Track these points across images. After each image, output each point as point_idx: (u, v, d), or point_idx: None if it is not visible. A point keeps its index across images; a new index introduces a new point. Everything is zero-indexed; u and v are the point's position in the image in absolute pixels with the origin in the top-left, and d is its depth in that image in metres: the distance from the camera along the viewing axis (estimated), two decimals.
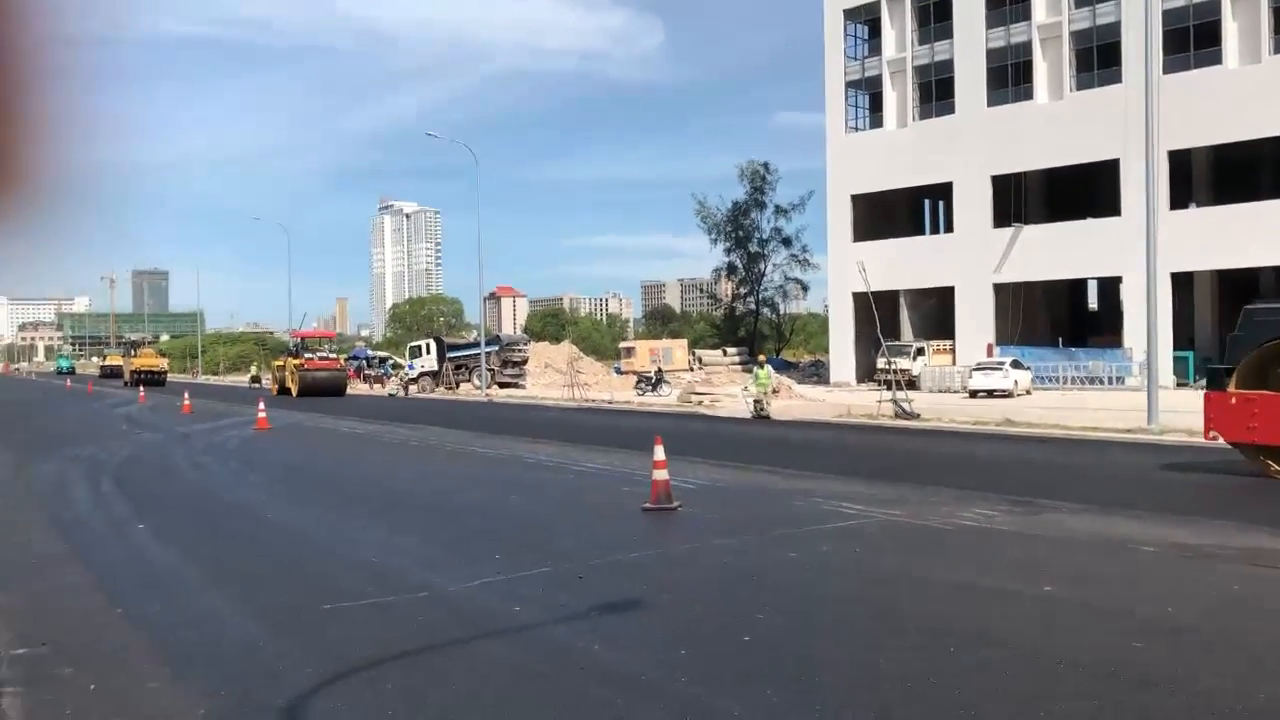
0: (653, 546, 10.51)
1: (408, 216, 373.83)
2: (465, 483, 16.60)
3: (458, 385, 54.17)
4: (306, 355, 52.24)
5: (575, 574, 8.94)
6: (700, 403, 37.18)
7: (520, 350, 58.57)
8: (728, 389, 46.19)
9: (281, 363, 53.84)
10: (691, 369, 62.83)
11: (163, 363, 75.62)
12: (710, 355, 67.17)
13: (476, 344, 56.55)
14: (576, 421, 30.54)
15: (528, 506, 13.54)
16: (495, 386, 52.46)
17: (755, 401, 29.28)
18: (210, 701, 5.72)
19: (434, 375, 54.88)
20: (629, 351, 72.36)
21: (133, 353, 76.03)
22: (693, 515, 12.05)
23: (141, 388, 56.88)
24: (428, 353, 56.25)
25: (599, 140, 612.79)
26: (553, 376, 55.34)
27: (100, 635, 7.27)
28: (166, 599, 8.41)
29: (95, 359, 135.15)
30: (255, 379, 72.43)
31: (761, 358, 32.52)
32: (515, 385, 54.64)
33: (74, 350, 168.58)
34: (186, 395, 41.48)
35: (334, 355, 58.71)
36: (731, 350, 68.65)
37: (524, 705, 5.58)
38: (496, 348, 56.57)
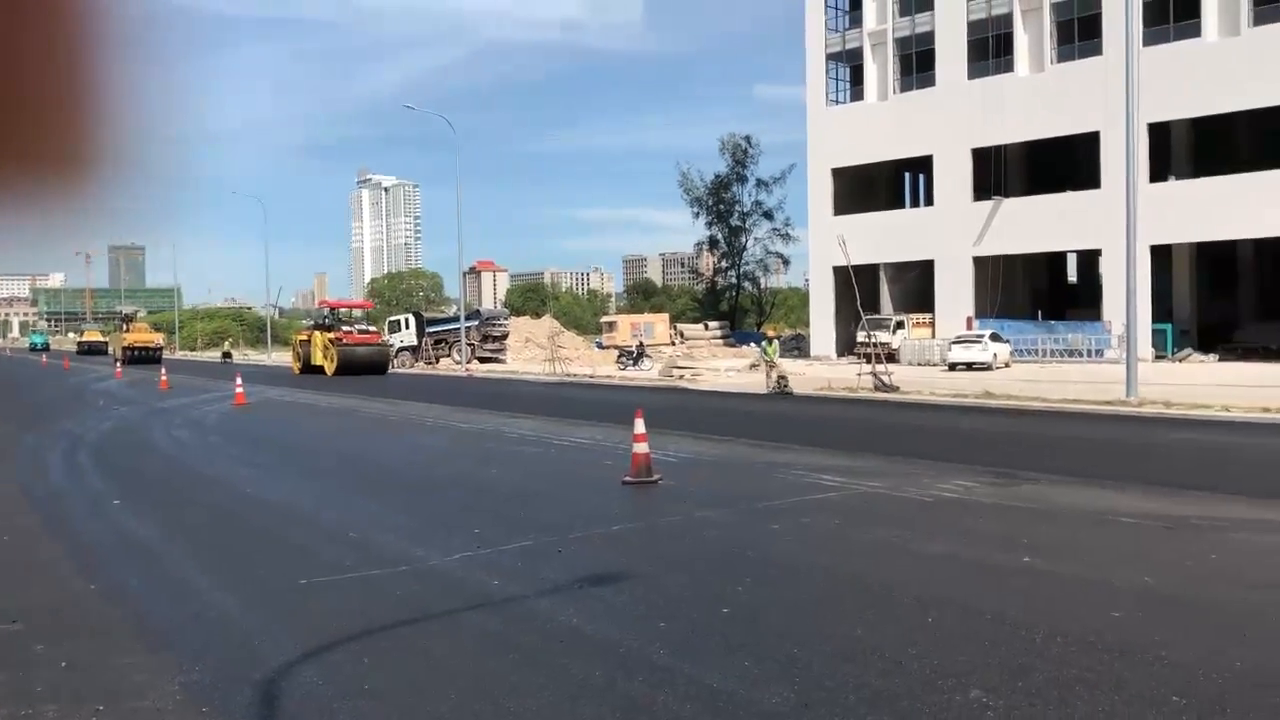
0: (632, 519, 10.48)
1: (386, 190, 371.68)
2: (446, 457, 16.53)
3: (437, 360, 53.96)
4: (344, 328, 45.33)
5: (555, 547, 8.90)
6: (682, 377, 37.17)
7: (500, 325, 58.33)
8: (709, 363, 46.16)
9: (305, 336, 47.64)
10: (673, 343, 62.75)
11: (158, 338, 68.88)
12: (692, 329, 67.09)
13: (456, 319, 56.18)
14: (557, 396, 30.47)
15: (508, 480, 13.49)
16: (475, 361, 52.28)
17: (780, 378, 28.31)
18: (185, 675, 5.66)
19: (413, 350, 54.65)
20: (610, 326, 72.25)
21: (125, 327, 68.83)
22: (673, 488, 12.04)
23: (118, 364, 54.38)
24: (407, 328, 56.03)
25: (582, 113, 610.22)
26: (534, 351, 55.21)
27: (74, 611, 7.19)
28: (142, 573, 8.33)
29: (72, 335, 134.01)
30: (227, 354, 71.61)
31: (772, 333, 31.82)
32: (496, 360, 54.49)
33: (50, 326, 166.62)
34: (164, 371, 41.22)
35: (374, 329, 49.74)
36: (713, 324, 68.58)
37: (503, 677, 5.54)
38: (476, 322, 56.33)
